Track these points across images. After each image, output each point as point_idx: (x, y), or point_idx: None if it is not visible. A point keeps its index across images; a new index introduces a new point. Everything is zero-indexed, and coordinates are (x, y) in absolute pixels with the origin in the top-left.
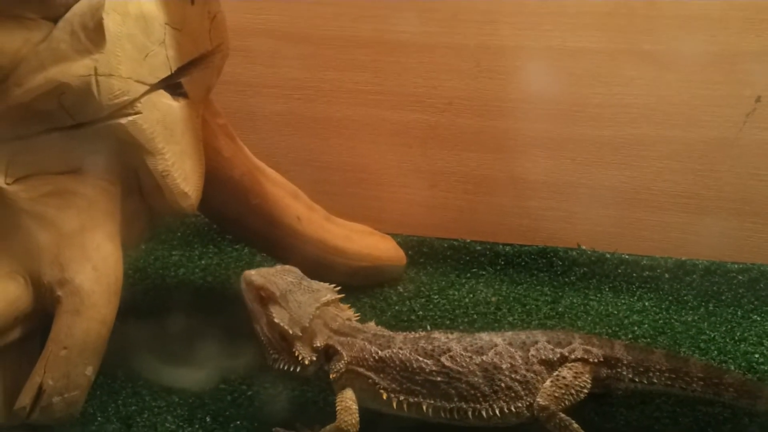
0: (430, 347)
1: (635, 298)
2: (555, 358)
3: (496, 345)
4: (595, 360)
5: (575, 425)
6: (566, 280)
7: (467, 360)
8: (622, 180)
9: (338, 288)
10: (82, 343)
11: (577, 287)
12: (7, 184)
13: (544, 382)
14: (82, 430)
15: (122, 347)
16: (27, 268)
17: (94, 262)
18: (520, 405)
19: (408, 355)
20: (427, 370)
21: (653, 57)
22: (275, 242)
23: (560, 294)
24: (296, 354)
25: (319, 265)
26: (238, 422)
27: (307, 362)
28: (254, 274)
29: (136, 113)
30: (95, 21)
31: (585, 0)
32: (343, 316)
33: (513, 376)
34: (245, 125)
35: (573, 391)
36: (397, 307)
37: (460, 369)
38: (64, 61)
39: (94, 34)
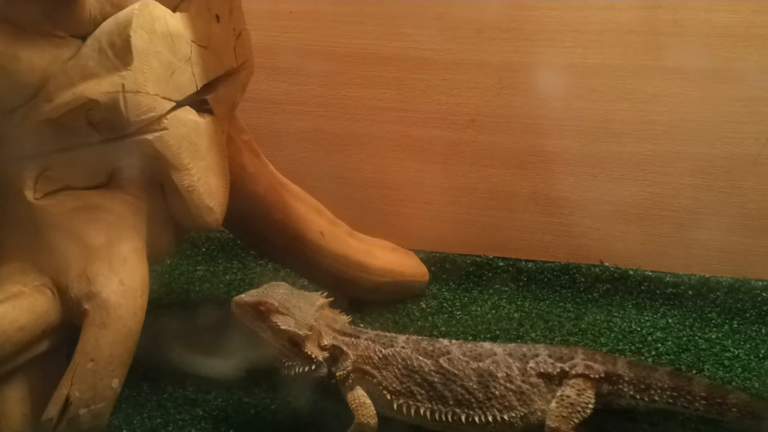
0: (430, 348)
1: (659, 315)
2: (555, 372)
3: (495, 354)
4: (597, 376)
5: None
6: (589, 296)
7: (464, 364)
8: (644, 196)
9: (325, 293)
10: (109, 355)
11: (600, 304)
12: (36, 198)
13: (542, 394)
14: None
15: (147, 360)
16: (55, 282)
17: (120, 276)
18: (513, 415)
19: (409, 353)
20: (426, 369)
21: (676, 74)
22: (298, 257)
23: (583, 310)
24: (308, 353)
25: (341, 280)
26: None
27: (320, 358)
28: (245, 296)
29: (162, 129)
30: (123, 39)
31: (607, 17)
32: (339, 319)
33: (507, 385)
34: (269, 142)
35: (579, 408)
36: (419, 323)
37: (456, 372)
38: (92, 78)
39: (122, 52)
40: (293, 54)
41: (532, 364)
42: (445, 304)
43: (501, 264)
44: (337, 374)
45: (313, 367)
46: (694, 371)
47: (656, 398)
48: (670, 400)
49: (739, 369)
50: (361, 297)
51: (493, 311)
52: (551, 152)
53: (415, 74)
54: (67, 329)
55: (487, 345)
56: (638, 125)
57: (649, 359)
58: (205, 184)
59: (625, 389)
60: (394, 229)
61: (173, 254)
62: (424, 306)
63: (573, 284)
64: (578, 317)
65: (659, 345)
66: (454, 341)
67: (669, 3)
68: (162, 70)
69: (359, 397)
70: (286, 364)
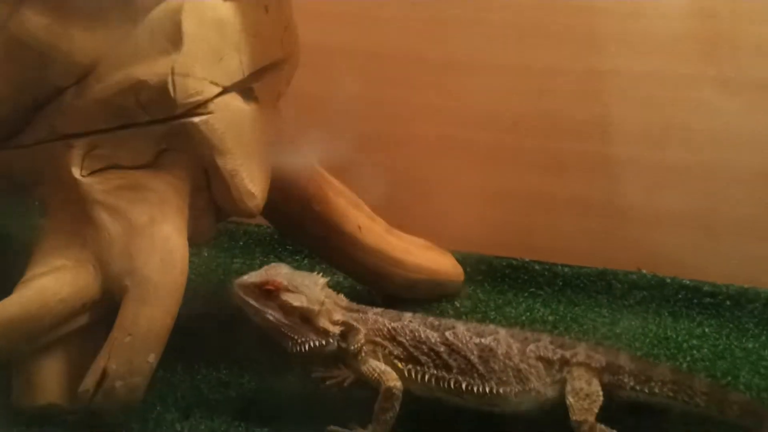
0: (437, 323)
1: (695, 323)
2: (555, 358)
3: (497, 333)
4: (598, 365)
5: None
6: (625, 302)
7: (467, 338)
8: (684, 205)
9: (322, 273)
10: (146, 331)
11: (636, 311)
12: (83, 176)
13: (539, 376)
14: (141, 417)
15: (183, 345)
16: (97, 257)
17: (161, 254)
18: (509, 390)
19: (417, 326)
20: (432, 340)
21: (720, 83)
22: (335, 250)
23: (618, 316)
24: (322, 327)
25: (377, 275)
26: (293, 417)
27: (337, 331)
28: (248, 277)
29: (208, 113)
30: (174, 23)
31: (652, 26)
32: (341, 298)
33: (506, 362)
34: None
35: (595, 397)
36: None
37: (460, 344)
38: (143, 60)
39: (173, 36)
40: (337, 54)
41: (532, 347)
42: (479, 305)
43: (537, 267)
44: (351, 348)
45: (327, 341)
46: (729, 378)
47: (656, 390)
48: (671, 394)
49: None
50: (396, 294)
51: (527, 314)
52: (591, 158)
53: (458, 77)
54: (107, 304)
55: (492, 326)
56: (681, 133)
57: (684, 365)
58: (248, 169)
59: (626, 380)
60: (431, 228)
61: (212, 240)
62: (458, 305)
63: (609, 290)
64: (613, 322)
65: (695, 352)
66: (460, 321)
67: (721, 13)
68: (211, 56)
69: (378, 366)
70: (298, 341)
